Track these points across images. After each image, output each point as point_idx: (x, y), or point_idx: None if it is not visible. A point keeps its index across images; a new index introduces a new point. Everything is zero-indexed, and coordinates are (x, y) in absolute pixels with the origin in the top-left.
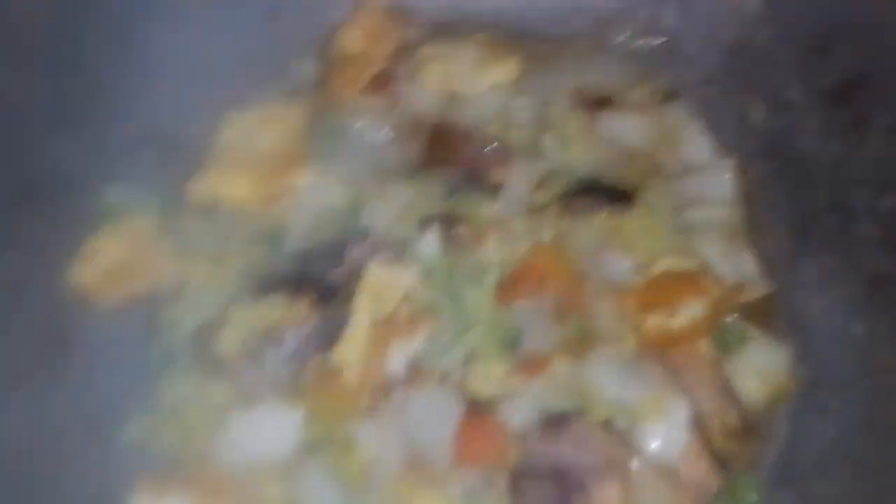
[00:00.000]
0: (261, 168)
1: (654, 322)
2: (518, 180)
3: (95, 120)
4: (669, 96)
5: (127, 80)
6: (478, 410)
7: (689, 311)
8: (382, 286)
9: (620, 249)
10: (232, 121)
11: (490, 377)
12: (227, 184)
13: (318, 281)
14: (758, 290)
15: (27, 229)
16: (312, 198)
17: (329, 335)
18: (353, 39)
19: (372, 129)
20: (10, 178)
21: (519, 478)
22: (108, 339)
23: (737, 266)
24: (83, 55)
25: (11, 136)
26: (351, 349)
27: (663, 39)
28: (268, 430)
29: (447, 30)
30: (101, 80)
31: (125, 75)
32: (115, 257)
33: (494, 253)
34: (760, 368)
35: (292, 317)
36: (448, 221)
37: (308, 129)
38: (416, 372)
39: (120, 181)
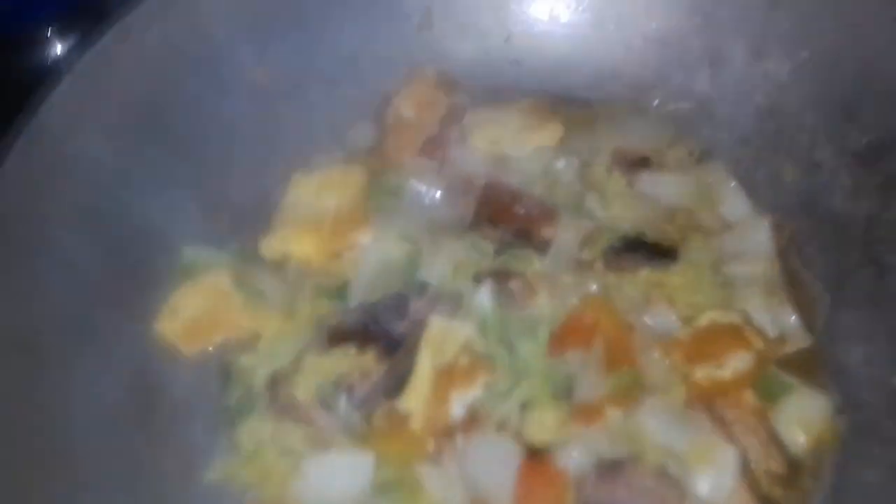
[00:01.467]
0: (325, 227)
1: (703, 373)
2: (565, 237)
3: (176, 185)
4: (705, 156)
5: (204, 150)
6: (536, 456)
7: (736, 363)
8: (443, 338)
9: (665, 303)
10: (297, 183)
11: (545, 425)
12: (295, 242)
13: (383, 333)
14: (799, 342)
15: (116, 285)
16: (374, 254)
17: (396, 383)
18: (406, 106)
19: (426, 189)
20: (101, 238)
21: None
22: (190, 386)
23: (778, 319)
24: (168, 128)
25: (104, 200)
26: (416, 397)
27: (696, 103)
28: (341, 473)
29: (493, 96)
30: (183, 150)
31: (203, 144)
32: (194, 311)
33: (545, 306)
34: (804, 418)
35: (361, 366)
36: (500, 276)
37: (367, 190)
38: (475, 419)
39: (197, 241)
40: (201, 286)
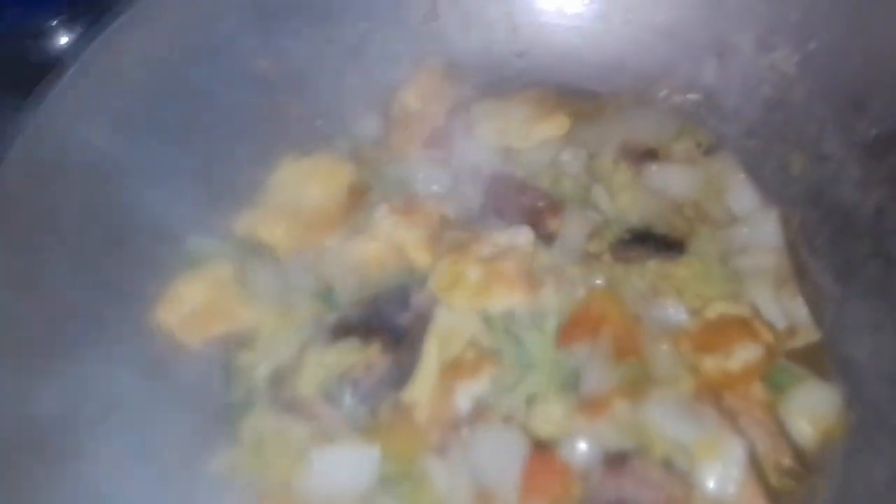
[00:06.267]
0: (300, 218)
1: (712, 364)
2: (571, 230)
3: (180, 175)
4: (712, 148)
5: (209, 140)
6: (542, 449)
7: (745, 354)
8: (450, 331)
9: (673, 295)
10: (284, 167)
11: (552, 418)
12: (266, 226)
13: (387, 325)
14: (808, 334)
15: (120, 273)
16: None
17: (401, 375)
18: (412, 98)
19: (432, 181)
20: (106, 228)
21: None
22: (193, 379)
23: (786, 311)
24: (173, 118)
25: (108, 190)
26: (421, 390)
27: (702, 95)
28: (346, 466)
29: (498, 87)
30: (187, 140)
31: (208, 137)
32: (196, 300)
33: (552, 299)
34: (812, 410)
35: (365, 360)
36: None
37: (371, 180)
38: (481, 412)
39: (201, 231)
40: (204, 276)
